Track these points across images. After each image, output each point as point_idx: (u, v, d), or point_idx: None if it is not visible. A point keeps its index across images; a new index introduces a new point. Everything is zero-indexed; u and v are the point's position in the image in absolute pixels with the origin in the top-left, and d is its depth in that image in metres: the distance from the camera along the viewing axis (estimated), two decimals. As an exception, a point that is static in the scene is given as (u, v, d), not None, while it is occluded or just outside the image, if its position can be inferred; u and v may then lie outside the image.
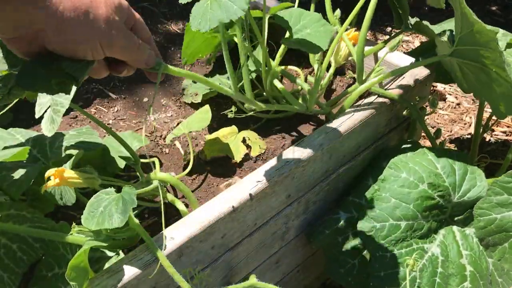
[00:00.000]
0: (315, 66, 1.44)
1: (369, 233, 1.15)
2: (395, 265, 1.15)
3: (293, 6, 1.59)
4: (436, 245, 1.19)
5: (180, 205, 1.16)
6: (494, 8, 2.68)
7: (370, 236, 1.15)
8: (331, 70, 1.40)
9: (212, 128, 1.48)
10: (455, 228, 1.22)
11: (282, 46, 1.45)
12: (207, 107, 1.39)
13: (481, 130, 1.55)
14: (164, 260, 0.94)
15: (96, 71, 0.81)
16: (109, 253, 1.09)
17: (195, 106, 1.57)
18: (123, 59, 0.80)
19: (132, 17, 0.81)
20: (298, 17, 1.31)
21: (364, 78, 1.31)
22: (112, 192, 0.99)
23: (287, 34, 1.36)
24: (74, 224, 0.99)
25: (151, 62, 0.84)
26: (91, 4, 0.71)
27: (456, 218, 1.23)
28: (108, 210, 0.94)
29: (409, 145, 1.32)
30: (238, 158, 1.36)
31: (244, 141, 1.40)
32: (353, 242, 1.27)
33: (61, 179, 1.00)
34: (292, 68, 1.62)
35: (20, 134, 1.24)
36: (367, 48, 1.50)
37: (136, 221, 0.98)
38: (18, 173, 1.13)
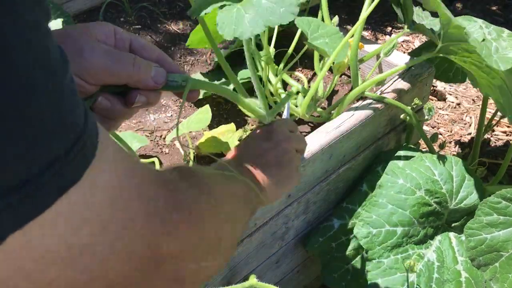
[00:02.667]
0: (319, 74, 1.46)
1: (366, 239, 1.16)
2: (392, 271, 1.16)
3: (304, 9, 1.61)
4: (432, 251, 1.20)
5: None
6: (494, 8, 2.68)
7: (366, 242, 1.16)
8: (335, 78, 1.41)
9: (212, 127, 1.48)
10: (451, 234, 1.22)
11: (289, 51, 1.47)
12: (207, 107, 1.39)
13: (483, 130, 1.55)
14: None
15: (110, 111, 0.71)
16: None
17: (195, 104, 1.57)
18: (120, 82, 0.70)
19: (124, 39, 0.73)
20: (317, 26, 1.33)
21: (362, 81, 1.31)
22: None
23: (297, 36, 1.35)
24: None
25: (160, 79, 0.76)
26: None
27: (453, 224, 1.24)
28: None
29: (405, 150, 1.33)
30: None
31: (240, 140, 1.40)
32: (347, 247, 1.27)
33: None
34: (298, 74, 1.63)
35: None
36: (367, 50, 1.50)
37: None
38: None
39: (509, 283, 1.13)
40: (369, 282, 1.16)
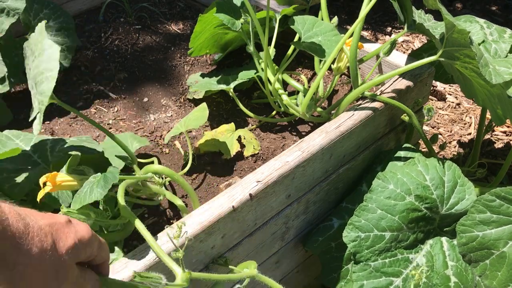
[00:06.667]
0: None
1: (354, 243, 1.16)
2: (378, 274, 1.16)
3: (305, 9, 1.62)
4: (421, 255, 1.20)
5: (178, 201, 1.16)
6: (494, 8, 2.68)
7: (354, 245, 1.17)
8: (335, 79, 1.41)
9: (212, 127, 1.49)
10: (443, 238, 1.22)
11: (289, 52, 1.47)
12: (204, 105, 1.39)
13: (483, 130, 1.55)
14: (155, 245, 0.93)
15: None
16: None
17: (196, 103, 1.57)
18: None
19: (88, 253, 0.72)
20: (312, 24, 1.34)
21: (362, 81, 1.31)
22: (99, 176, 1.00)
23: (296, 37, 1.39)
24: (63, 205, 0.99)
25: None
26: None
27: (445, 229, 1.24)
28: (90, 187, 0.96)
29: (405, 151, 1.33)
30: (229, 155, 1.37)
31: (240, 139, 1.40)
32: (346, 247, 1.27)
33: (54, 185, 1.00)
34: (298, 74, 1.64)
35: (19, 139, 1.25)
36: (367, 50, 1.50)
37: (123, 202, 0.99)
38: (20, 177, 1.14)
39: (498, 281, 1.14)
40: (354, 284, 1.16)
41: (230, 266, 1.09)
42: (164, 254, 0.90)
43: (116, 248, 1.10)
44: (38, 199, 1.02)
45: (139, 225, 0.97)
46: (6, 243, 0.58)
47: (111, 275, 0.94)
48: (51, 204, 1.17)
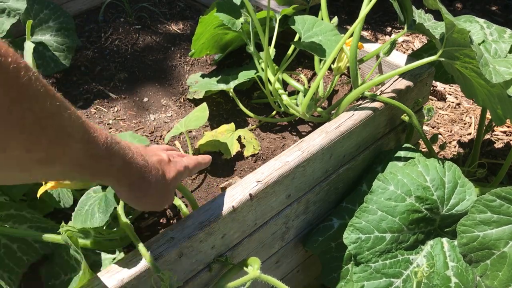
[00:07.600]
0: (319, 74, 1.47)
1: (354, 244, 1.17)
2: (378, 275, 1.16)
3: (305, 9, 1.62)
4: (422, 256, 1.20)
5: (178, 202, 1.16)
6: (494, 8, 2.68)
7: (355, 247, 1.17)
8: (335, 79, 1.42)
9: (212, 127, 1.49)
10: (444, 239, 1.22)
11: (289, 52, 1.47)
12: (204, 105, 1.39)
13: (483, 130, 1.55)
14: (145, 254, 0.93)
15: None
16: (109, 254, 1.09)
17: (196, 103, 1.57)
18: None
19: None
20: (312, 24, 1.34)
21: (362, 81, 1.31)
22: (99, 190, 1.00)
23: (296, 37, 1.39)
24: (63, 223, 0.99)
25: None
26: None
27: (446, 230, 1.24)
28: (92, 209, 0.95)
29: (405, 151, 1.33)
30: (229, 155, 1.37)
31: (240, 139, 1.40)
32: (346, 247, 1.27)
33: (56, 182, 1.00)
34: (298, 74, 1.64)
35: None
36: (367, 50, 1.50)
37: (125, 220, 0.98)
38: None
39: (498, 281, 1.14)
40: (355, 285, 1.17)
41: (233, 264, 1.09)
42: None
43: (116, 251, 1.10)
44: (38, 195, 1.02)
45: (143, 250, 0.95)
46: (136, 174, 0.82)
47: (111, 275, 0.94)
48: (52, 204, 1.17)
